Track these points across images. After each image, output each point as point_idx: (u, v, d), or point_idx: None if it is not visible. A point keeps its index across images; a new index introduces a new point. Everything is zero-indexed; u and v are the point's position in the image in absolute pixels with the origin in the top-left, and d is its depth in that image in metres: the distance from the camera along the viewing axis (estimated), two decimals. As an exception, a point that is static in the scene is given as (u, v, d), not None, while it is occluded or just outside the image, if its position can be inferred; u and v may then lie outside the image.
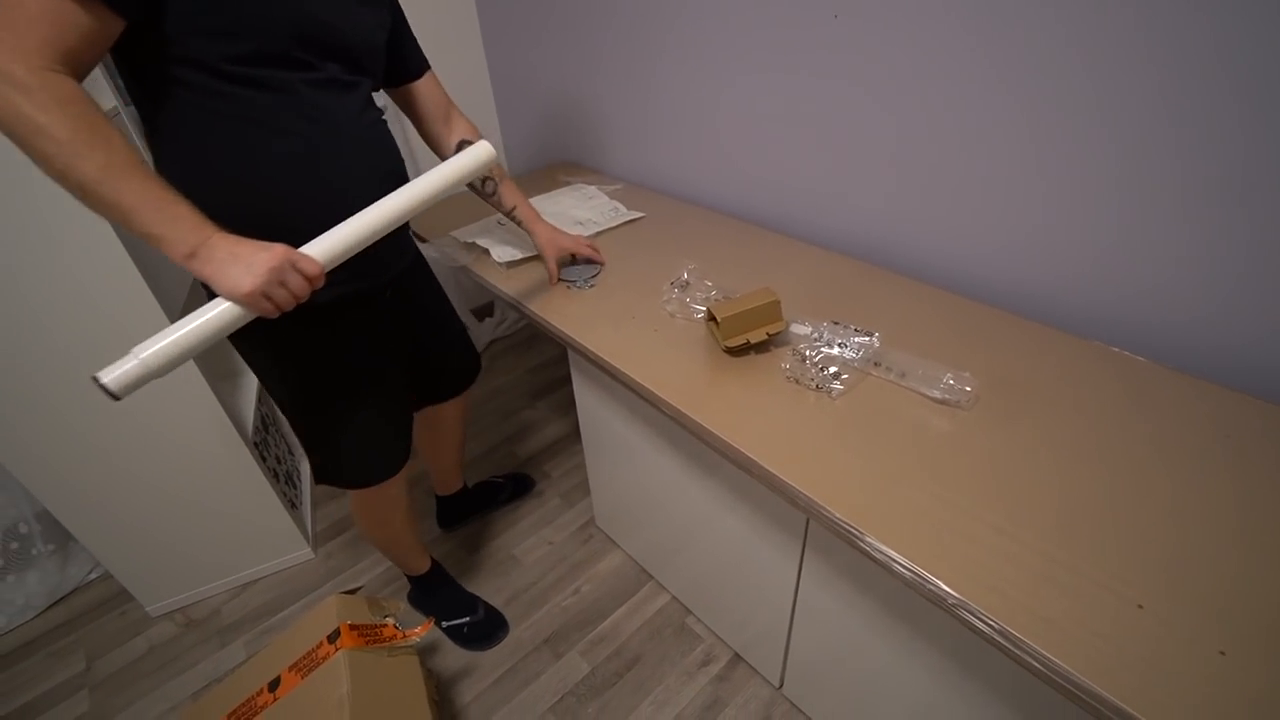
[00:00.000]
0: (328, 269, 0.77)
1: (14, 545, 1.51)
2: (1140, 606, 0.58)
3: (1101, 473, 0.72)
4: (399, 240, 0.99)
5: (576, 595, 1.40)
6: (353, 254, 0.80)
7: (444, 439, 1.39)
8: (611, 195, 1.55)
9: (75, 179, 0.63)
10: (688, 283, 1.11)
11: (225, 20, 0.72)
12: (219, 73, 0.74)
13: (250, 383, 1.58)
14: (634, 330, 1.04)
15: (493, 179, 1.14)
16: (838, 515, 0.69)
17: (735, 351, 0.94)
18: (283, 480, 1.58)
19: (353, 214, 0.80)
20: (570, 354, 1.17)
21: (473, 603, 1.37)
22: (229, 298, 0.70)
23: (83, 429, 1.19)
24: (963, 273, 1.09)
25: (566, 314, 1.10)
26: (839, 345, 0.91)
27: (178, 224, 0.68)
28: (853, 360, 0.90)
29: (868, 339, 0.91)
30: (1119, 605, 0.58)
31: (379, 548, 1.27)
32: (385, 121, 0.95)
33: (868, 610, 0.86)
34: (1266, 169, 0.75)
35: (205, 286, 0.76)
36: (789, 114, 1.23)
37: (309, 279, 0.74)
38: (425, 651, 1.31)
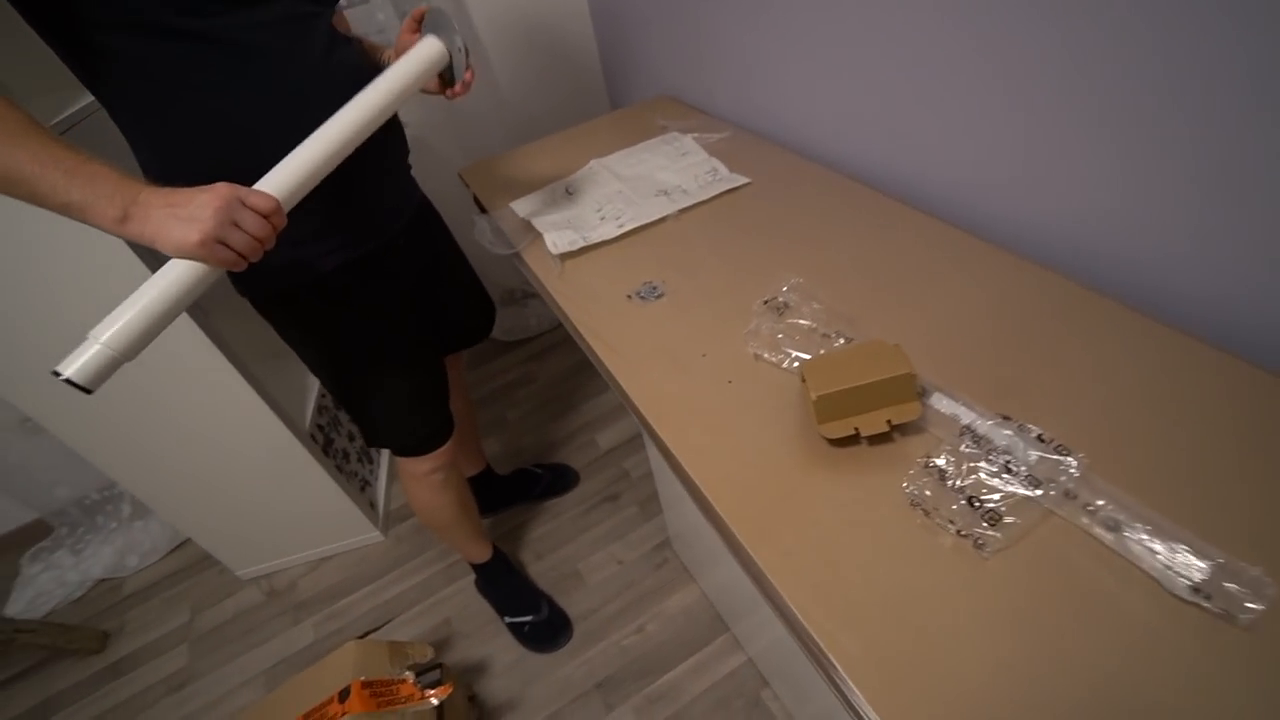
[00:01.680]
0: (288, 205, 0.65)
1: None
2: None
3: None
4: (402, 187, 0.93)
5: (640, 634, 1.22)
6: (315, 182, 0.67)
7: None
8: (712, 149, 1.19)
9: None
10: (785, 305, 0.79)
11: None
12: (163, 30, 0.63)
13: (313, 382, 1.52)
14: (699, 378, 0.75)
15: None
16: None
17: (839, 443, 0.63)
18: (355, 460, 1.53)
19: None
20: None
21: (537, 600, 1.26)
22: (179, 255, 0.59)
23: (144, 414, 1.16)
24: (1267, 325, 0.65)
25: (622, 343, 0.82)
26: (1005, 458, 0.57)
27: (96, 185, 0.56)
28: (1029, 487, 0.55)
29: (1062, 460, 0.55)
30: None
31: (435, 531, 1.21)
32: (358, 54, 0.80)
33: None
34: None
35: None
36: (960, 26, 0.80)
37: (265, 215, 0.61)
38: (469, 671, 1.21)
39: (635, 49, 1.62)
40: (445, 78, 0.82)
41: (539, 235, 1.04)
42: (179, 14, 0.62)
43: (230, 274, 0.69)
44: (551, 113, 1.70)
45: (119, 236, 0.58)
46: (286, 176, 0.66)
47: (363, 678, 0.91)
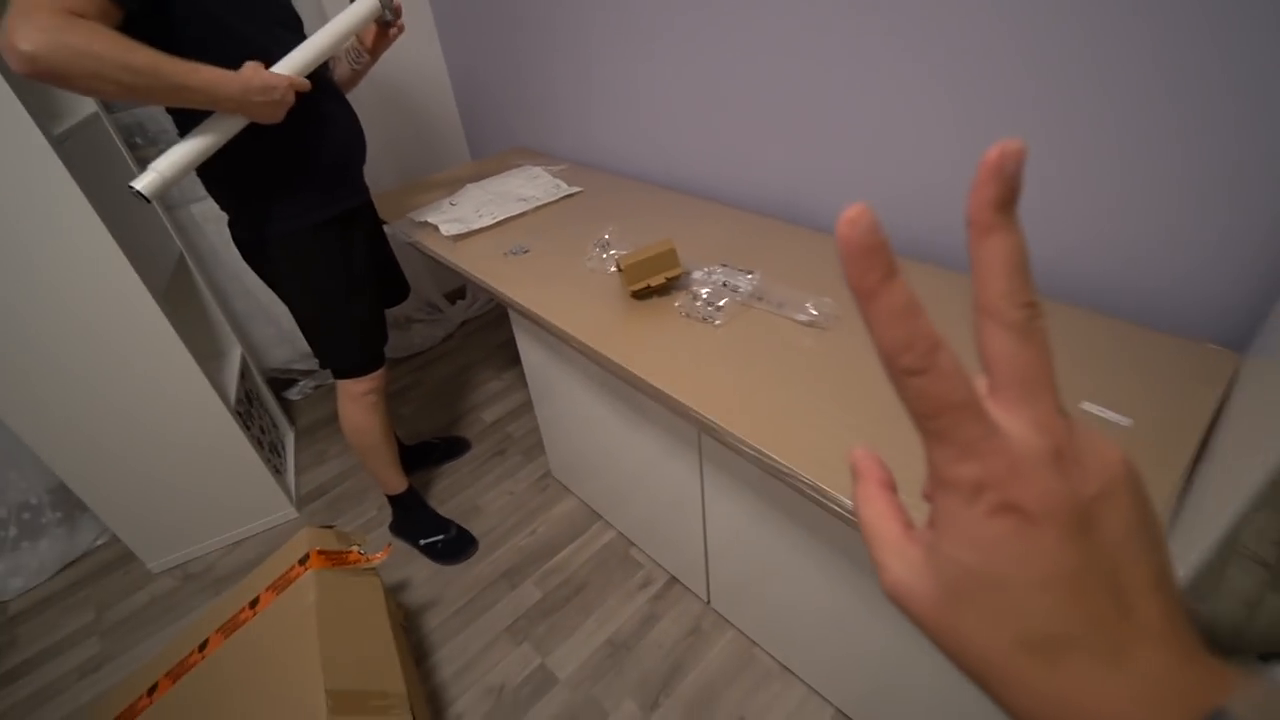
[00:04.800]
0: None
1: (26, 515, 1.66)
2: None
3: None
4: (362, 170, 1.28)
5: (533, 535, 1.55)
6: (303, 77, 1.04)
7: None
8: (556, 174, 1.69)
9: (129, 75, 0.83)
10: (608, 243, 1.25)
11: None
12: (239, 38, 0.99)
13: (234, 362, 1.73)
14: (560, 286, 1.18)
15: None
16: (707, 415, 0.83)
17: (639, 295, 1.08)
18: (267, 449, 1.72)
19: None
20: (511, 314, 1.32)
21: (446, 523, 1.55)
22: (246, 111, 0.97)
23: (90, 404, 1.34)
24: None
25: (503, 276, 1.24)
26: (724, 284, 1.05)
27: (218, 76, 0.92)
28: (738, 296, 1.04)
29: (749, 277, 1.05)
30: (912, 460, 0.72)
31: (363, 453, 1.43)
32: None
33: (762, 514, 1.00)
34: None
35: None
36: (703, 90, 1.37)
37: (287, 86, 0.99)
38: (394, 589, 1.46)
39: (489, 110, 2.12)
40: (383, 25, 1.17)
41: (435, 230, 1.44)
42: (253, 23, 1.02)
43: (248, 218, 1.12)
44: (422, 167, 2.12)
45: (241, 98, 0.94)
46: (286, 68, 1.02)
47: (318, 548, 1.17)
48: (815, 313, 0.96)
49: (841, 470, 0.72)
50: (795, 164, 1.28)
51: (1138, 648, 0.17)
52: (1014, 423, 0.18)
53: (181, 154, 0.97)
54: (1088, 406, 0.75)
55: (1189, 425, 0.72)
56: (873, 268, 0.18)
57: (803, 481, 0.73)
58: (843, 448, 0.75)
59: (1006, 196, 0.18)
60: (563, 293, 1.15)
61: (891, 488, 0.22)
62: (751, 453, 0.79)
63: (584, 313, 1.08)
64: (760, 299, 1.03)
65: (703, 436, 1.02)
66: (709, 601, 1.32)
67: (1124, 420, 0.73)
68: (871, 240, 0.17)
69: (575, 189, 1.58)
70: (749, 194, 1.40)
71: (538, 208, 1.51)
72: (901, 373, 0.18)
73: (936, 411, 0.18)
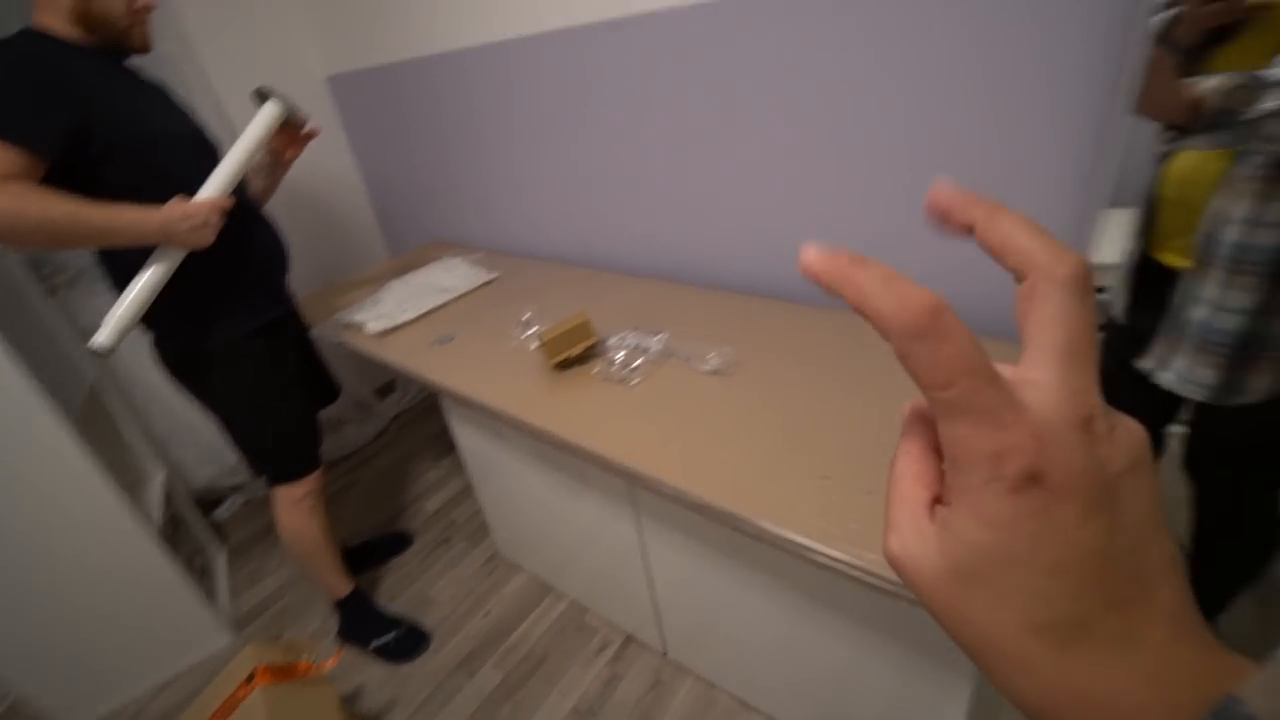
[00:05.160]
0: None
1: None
2: (826, 478, 0.82)
3: (813, 401, 0.97)
4: (286, 279, 1.34)
5: (487, 617, 1.54)
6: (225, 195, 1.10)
7: None
8: (473, 263, 1.78)
9: (52, 226, 0.88)
10: (528, 322, 1.35)
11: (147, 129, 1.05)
12: (161, 173, 1.06)
13: (156, 485, 1.68)
14: (487, 367, 1.25)
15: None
16: (633, 466, 0.91)
17: (560, 366, 1.17)
18: (197, 574, 1.65)
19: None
20: (443, 402, 1.37)
21: (395, 621, 1.52)
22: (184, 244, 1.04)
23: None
24: (736, 273, 1.38)
25: (432, 366, 1.29)
26: (637, 346, 1.16)
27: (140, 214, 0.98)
28: (650, 355, 1.14)
29: (658, 337, 1.16)
30: (811, 479, 0.82)
31: (304, 560, 1.40)
32: None
33: (702, 556, 1.07)
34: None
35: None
36: (600, 174, 1.52)
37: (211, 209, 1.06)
38: (350, 697, 1.41)
39: (402, 207, 2.22)
40: (294, 128, 1.22)
41: (361, 328, 1.49)
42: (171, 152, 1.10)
43: (178, 333, 1.14)
44: (343, 267, 2.18)
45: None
46: (208, 191, 1.08)
47: (264, 664, 1.13)
48: (719, 361, 1.08)
49: (759, 497, 0.81)
50: (688, 232, 1.43)
51: (1153, 632, 0.17)
52: (1046, 390, 0.17)
53: (130, 302, 1.00)
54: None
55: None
56: (836, 257, 0.18)
57: (722, 513, 0.81)
58: (753, 477, 0.85)
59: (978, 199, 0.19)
60: (491, 373, 1.22)
61: (937, 451, 0.20)
62: (674, 493, 0.87)
63: (512, 389, 1.15)
64: (670, 355, 1.14)
65: (635, 489, 1.09)
66: (666, 653, 1.36)
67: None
68: (830, 254, 0.18)
69: (493, 275, 1.68)
70: (652, 263, 1.53)
71: (459, 297, 1.59)
72: (906, 338, 0.17)
73: (949, 379, 0.17)
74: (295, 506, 1.31)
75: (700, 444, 0.93)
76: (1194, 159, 0.98)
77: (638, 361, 1.13)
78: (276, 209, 1.34)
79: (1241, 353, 0.95)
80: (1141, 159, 1.05)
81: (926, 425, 0.21)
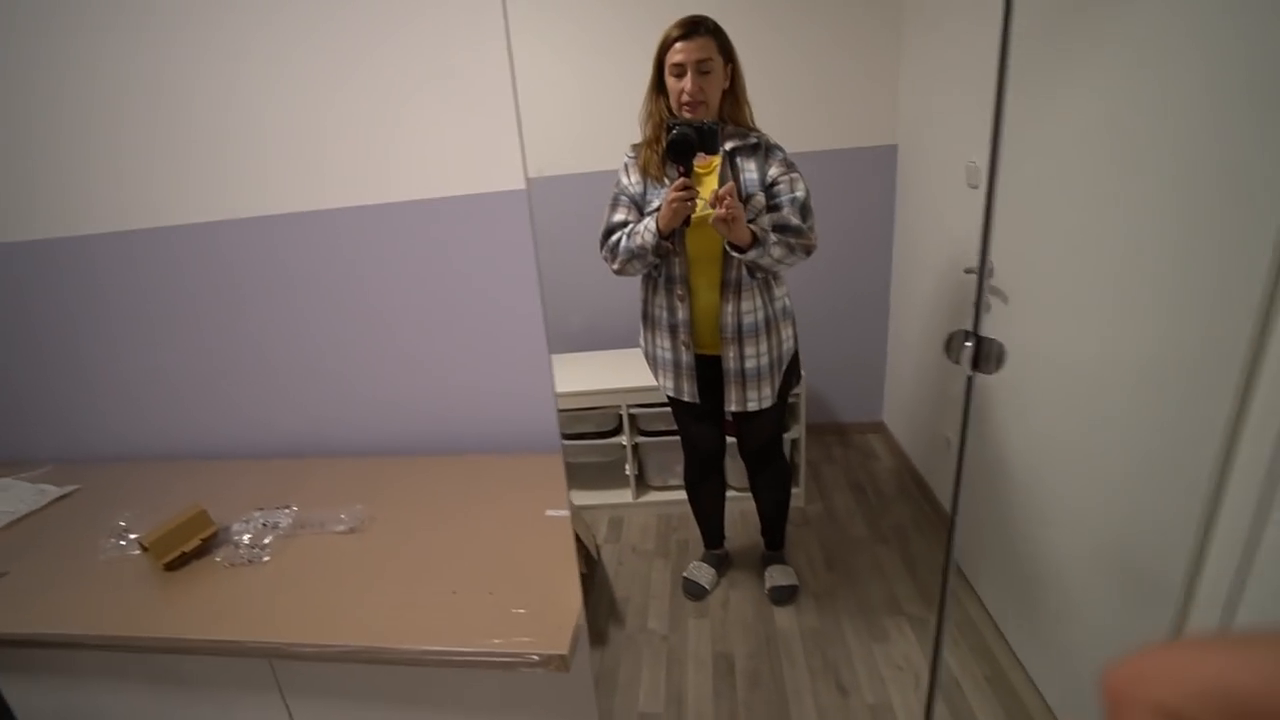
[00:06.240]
0: None
1: None
2: (454, 592, 0.99)
3: (438, 534, 1.15)
4: None
5: None
6: None
7: None
8: (36, 479, 1.50)
9: None
10: (124, 529, 1.22)
11: None
12: None
13: None
14: (66, 592, 1.09)
15: None
16: (271, 640, 0.93)
17: (173, 566, 1.11)
18: None
19: None
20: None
21: None
22: None
23: None
24: (361, 438, 1.51)
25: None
26: (264, 524, 1.18)
27: None
28: (280, 530, 1.17)
29: (288, 511, 1.21)
30: (442, 596, 0.98)
31: None
32: None
33: (358, 716, 1.09)
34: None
35: None
36: (198, 368, 1.50)
37: None
38: None
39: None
40: None
41: None
42: None
43: None
44: None
45: None
46: None
47: None
48: (352, 521, 1.18)
49: (397, 625, 0.93)
50: (312, 406, 1.51)
51: None
52: None
53: None
54: (550, 512, 1.16)
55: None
56: None
57: (362, 650, 0.91)
58: (391, 610, 0.97)
59: None
60: (73, 598, 1.07)
61: None
62: (315, 651, 0.92)
63: (109, 607, 1.04)
64: (303, 526, 1.19)
65: (275, 667, 1.07)
66: None
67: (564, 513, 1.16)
68: None
69: (68, 488, 1.45)
70: (278, 441, 1.55)
71: (14, 521, 1.33)
72: None
73: None
74: None
75: (339, 598, 1.01)
76: None
77: (268, 539, 1.15)
78: None
79: None
80: None
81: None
